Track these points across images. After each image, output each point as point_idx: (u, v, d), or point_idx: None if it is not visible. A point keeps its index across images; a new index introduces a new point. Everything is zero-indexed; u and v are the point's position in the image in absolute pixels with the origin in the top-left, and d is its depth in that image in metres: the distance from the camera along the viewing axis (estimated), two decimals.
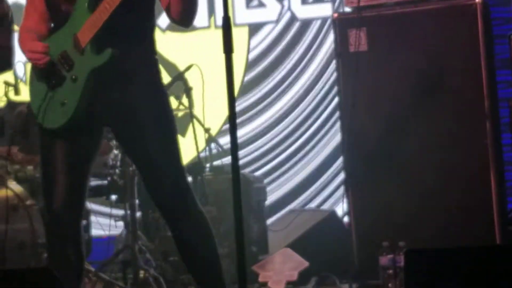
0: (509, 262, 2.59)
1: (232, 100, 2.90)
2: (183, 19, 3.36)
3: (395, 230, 4.87)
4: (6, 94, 4.83)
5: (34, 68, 3.38)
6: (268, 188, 6.36)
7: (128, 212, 5.09)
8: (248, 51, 7.10)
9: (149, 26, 3.40)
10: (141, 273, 4.76)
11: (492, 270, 2.59)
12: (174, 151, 3.36)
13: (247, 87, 7.10)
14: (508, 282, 2.55)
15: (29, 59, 3.34)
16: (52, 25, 3.43)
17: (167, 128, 3.35)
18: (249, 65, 7.11)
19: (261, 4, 7.13)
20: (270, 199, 6.50)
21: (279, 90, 7.10)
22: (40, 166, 3.50)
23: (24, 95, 4.21)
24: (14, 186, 5.06)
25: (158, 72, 3.41)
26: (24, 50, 3.36)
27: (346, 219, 5.46)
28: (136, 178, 5.00)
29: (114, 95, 3.30)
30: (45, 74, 3.32)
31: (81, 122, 3.31)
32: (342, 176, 5.79)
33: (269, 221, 6.08)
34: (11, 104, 4.95)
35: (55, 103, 3.30)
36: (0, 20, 3.79)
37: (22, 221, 4.93)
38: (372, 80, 5.02)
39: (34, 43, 3.33)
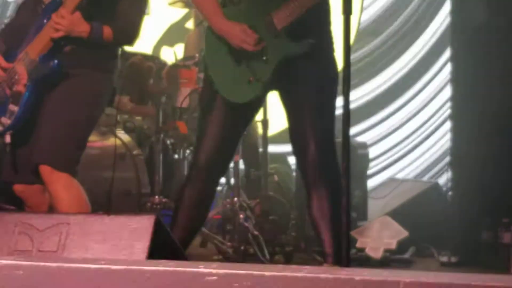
0: None
1: (347, 63, 2.86)
2: None
3: (497, 204, 4.78)
4: None
5: (216, 37, 3.40)
6: (371, 155, 6.33)
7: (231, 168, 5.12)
8: (361, 16, 7.05)
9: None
10: (240, 230, 4.79)
11: None
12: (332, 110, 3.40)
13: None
14: None
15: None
16: None
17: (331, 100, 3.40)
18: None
19: None
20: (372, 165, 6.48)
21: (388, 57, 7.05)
22: (197, 125, 3.58)
23: (137, 46, 4.24)
24: (122, 135, 5.15)
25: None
26: (235, 41, 3.34)
27: (449, 191, 5.39)
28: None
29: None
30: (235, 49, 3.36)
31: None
32: (447, 147, 5.71)
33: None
34: (124, 55, 5.00)
35: (242, 79, 3.34)
36: None
37: (128, 170, 5.01)
38: (489, 55, 4.90)
39: (246, 33, 3.32)
